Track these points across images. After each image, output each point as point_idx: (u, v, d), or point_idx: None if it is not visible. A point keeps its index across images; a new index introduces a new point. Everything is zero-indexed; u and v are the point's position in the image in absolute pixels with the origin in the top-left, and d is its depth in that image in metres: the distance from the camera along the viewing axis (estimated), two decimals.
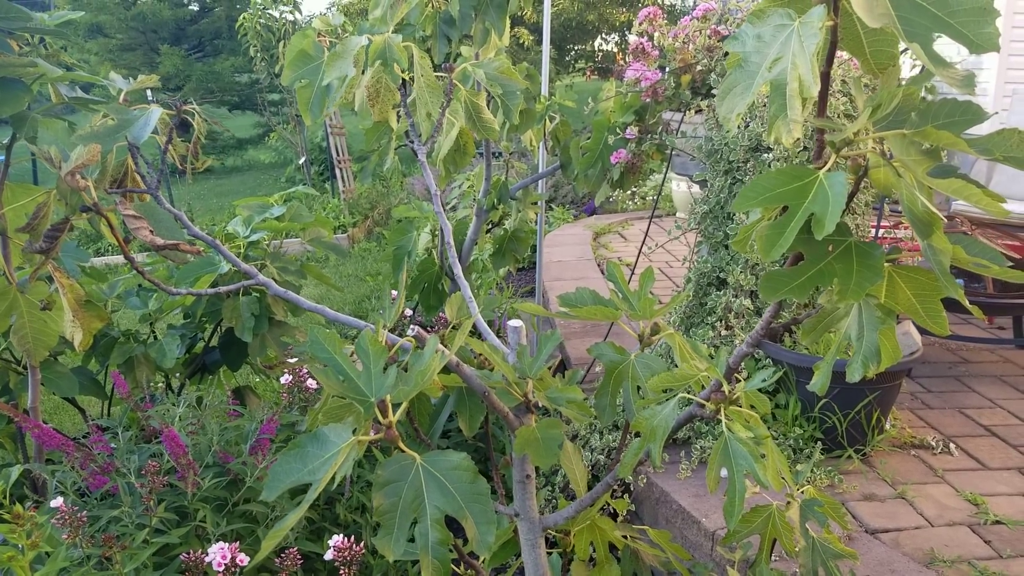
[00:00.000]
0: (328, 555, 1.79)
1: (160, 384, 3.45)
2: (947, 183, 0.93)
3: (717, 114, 0.94)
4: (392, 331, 1.43)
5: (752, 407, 1.15)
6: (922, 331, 2.93)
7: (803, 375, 2.75)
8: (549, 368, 3.50)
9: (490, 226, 3.80)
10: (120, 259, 7.50)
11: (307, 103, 2.02)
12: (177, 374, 3.32)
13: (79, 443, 2.44)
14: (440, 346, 1.08)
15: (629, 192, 7.23)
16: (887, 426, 2.87)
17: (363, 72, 1.54)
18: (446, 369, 1.19)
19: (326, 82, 1.58)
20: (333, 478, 0.96)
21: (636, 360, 1.35)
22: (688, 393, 1.11)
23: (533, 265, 5.84)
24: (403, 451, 1.01)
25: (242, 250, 3.15)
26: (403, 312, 3.21)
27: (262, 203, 3.49)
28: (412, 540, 1.00)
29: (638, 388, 1.35)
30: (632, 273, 3.59)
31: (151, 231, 1.51)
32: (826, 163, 0.97)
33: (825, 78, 0.95)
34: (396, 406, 1.02)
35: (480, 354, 1.39)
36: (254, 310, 3.15)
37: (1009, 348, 3.78)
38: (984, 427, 3.01)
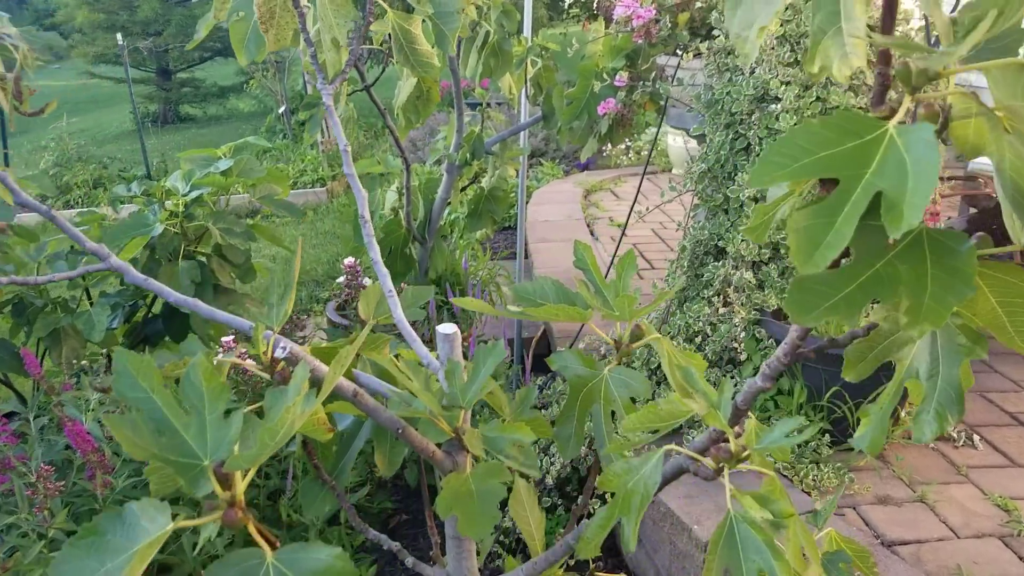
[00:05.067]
0: None
1: (101, 358, 3.11)
2: None
3: (728, 32, 0.57)
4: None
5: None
6: None
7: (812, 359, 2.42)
8: (530, 341, 3.10)
9: (466, 185, 3.44)
10: (66, 213, 7.04)
11: (242, 40, 1.66)
12: (112, 347, 2.97)
13: None
14: (311, 377, 0.75)
15: (623, 146, 6.84)
16: (903, 414, 2.55)
17: None
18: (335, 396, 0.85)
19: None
20: None
21: (610, 376, 1.02)
22: (679, 443, 0.78)
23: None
24: (255, 540, 0.68)
25: (180, 209, 2.79)
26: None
27: (208, 155, 3.12)
28: None
29: (612, 413, 1.02)
30: (623, 235, 3.23)
31: None
32: (893, 111, 0.63)
33: None
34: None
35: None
36: (194, 277, 2.80)
37: None
38: (1010, 415, 2.69)
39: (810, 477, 2.26)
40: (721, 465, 0.73)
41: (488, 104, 3.23)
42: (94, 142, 9.95)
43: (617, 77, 2.86)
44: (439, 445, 0.94)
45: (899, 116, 0.61)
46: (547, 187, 6.24)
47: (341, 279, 2.74)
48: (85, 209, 6.64)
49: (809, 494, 2.23)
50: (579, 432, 1.03)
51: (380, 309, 1.04)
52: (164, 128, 13.08)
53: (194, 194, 2.80)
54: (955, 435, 2.52)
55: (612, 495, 0.81)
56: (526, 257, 4.68)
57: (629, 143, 6.87)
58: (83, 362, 2.65)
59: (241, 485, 0.68)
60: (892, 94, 0.66)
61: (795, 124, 2.42)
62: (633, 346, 1.05)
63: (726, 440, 0.76)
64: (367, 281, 2.71)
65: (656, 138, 3.12)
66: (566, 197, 5.91)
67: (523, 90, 3.29)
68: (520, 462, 0.81)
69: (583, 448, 2.53)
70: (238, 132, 11.96)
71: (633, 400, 1.01)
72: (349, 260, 2.71)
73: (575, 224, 5.19)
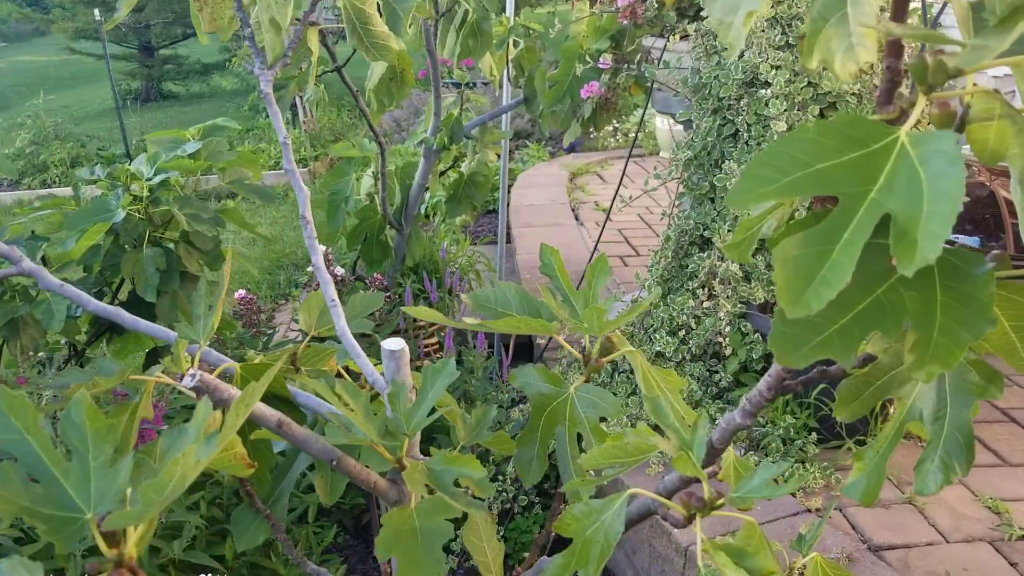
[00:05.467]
0: None
1: (64, 348, 3.00)
2: None
3: (709, 21, 0.46)
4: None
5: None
6: None
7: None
8: (505, 347, 2.96)
9: (447, 168, 3.33)
10: (38, 193, 6.82)
11: (196, 17, 1.54)
12: (75, 337, 2.86)
13: None
14: (218, 411, 0.65)
15: (610, 128, 6.72)
16: (891, 411, 2.46)
17: None
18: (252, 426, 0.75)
19: None
20: None
21: (577, 394, 0.92)
22: (647, 486, 0.68)
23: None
24: None
25: (144, 194, 2.67)
26: (339, 275, 2.75)
27: (175, 138, 2.99)
28: None
29: (579, 437, 0.92)
30: (608, 220, 3.13)
31: None
32: (904, 113, 0.53)
33: None
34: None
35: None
36: (160, 264, 2.69)
37: None
38: (1001, 411, 2.62)
39: (795, 477, 2.18)
40: (692, 512, 0.64)
41: (469, 85, 3.11)
42: (73, 120, 9.75)
43: (601, 59, 2.75)
44: (384, 474, 0.84)
45: (912, 120, 0.52)
46: (532, 170, 6.12)
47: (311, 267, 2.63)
48: (46, 192, 6.46)
49: (794, 495, 2.15)
50: (542, 455, 0.93)
51: (323, 319, 0.94)
52: (146, 106, 12.85)
53: (159, 178, 2.68)
54: None
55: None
56: (509, 242, 4.58)
57: (617, 125, 6.75)
58: (40, 354, 2.53)
59: (132, 540, 0.59)
60: (904, 91, 0.56)
61: (785, 110, 2.33)
62: (603, 361, 0.96)
63: (699, 481, 0.66)
64: (339, 270, 2.61)
65: (641, 122, 3.01)
66: (551, 180, 5.80)
67: (505, 72, 3.18)
68: (466, 502, 0.71)
69: None
70: (221, 110, 11.78)
71: (602, 420, 0.92)
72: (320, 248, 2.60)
73: (560, 208, 5.08)
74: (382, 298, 0.98)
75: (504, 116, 3.36)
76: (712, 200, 2.51)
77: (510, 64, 3.14)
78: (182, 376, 0.71)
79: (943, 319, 0.53)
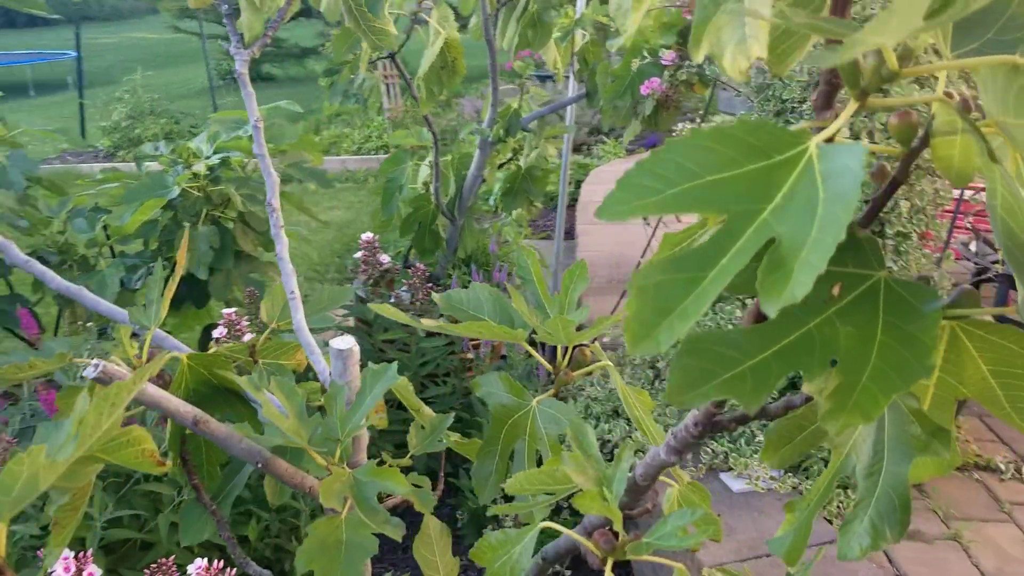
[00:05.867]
0: None
1: None
2: None
3: (609, 7, 0.41)
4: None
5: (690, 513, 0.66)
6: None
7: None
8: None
9: (505, 160, 3.29)
10: (101, 166, 6.95)
11: None
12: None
13: None
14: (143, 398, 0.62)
15: (687, 125, 6.55)
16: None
17: None
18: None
19: None
20: None
21: (539, 408, 0.87)
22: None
23: (572, 204, 5.31)
24: None
25: (202, 172, 2.71)
26: (389, 265, 2.74)
27: (239, 118, 3.04)
28: None
29: (538, 454, 0.87)
30: (660, 221, 3.05)
31: None
32: (826, 124, 0.47)
33: None
34: None
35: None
36: (213, 242, 2.72)
37: None
38: None
39: (835, 504, 2.07)
40: (606, 557, 0.58)
41: (531, 78, 3.07)
42: (169, 97, 10.05)
43: (663, 55, 2.66)
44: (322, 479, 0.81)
45: (831, 130, 0.46)
46: (606, 166, 6.03)
47: (359, 254, 2.63)
48: (109, 165, 6.62)
49: (831, 522, 2.04)
50: (501, 470, 0.89)
51: (286, 312, 0.91)
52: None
53: (216, 157, 2.72)
54: (1003, 466, 2.29)
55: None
56: (571, 239, 4.52)
57: (696, 121, 6.58)
58: (89, 324, 2.59)
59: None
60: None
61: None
62: (575, 374, 0.90)
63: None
64: (385, 258, 2.59)
65: (702, 122, 2.91)
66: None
67: (570, 65, 3.11)
68: (383, 519, 0.67)
69: None
70: (313, 93, 12.00)
71: (562, 440, 0.86)
72: (367, 235, 2.60)
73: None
74: (351, 292, 0.95)
75: (569, 110, 3.30)
76: None
77: (575, 58, 3.08)
78: (94, 365, 0.69)
79: (877, 362, 0.47)
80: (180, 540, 0.89)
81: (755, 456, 2.23)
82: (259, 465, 0.74)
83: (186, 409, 0.70)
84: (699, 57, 0.44)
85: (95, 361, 0.67)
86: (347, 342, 0.81)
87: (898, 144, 0.48)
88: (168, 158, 2.86)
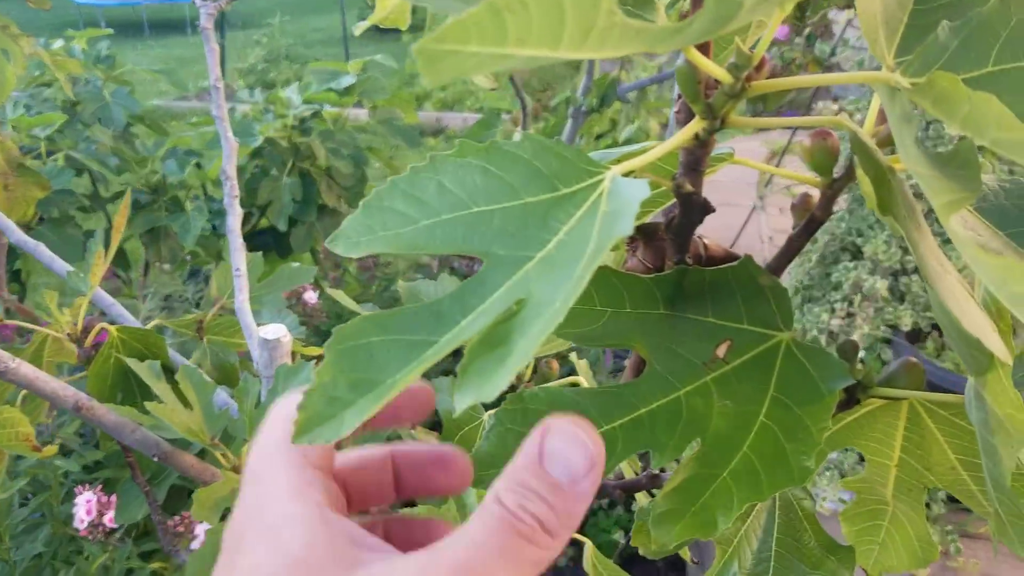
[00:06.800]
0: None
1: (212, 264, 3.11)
2: None
3: None
4: None
5: None
6: None
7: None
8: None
9: (602, 132, 3.16)
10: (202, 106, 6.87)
11: None
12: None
13: None
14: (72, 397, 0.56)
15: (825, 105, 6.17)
16: None
17: None
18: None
19: None
20: None
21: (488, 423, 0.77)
22: None
23: None
24: None
25: (290, 123, 2.69)
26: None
27: (336, 69, 3.00)
28: None
29: None
30: (761, 206, 2.85)
31: None
32: (699, 139, 0.36)
33: None
34: None
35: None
36: (296, 194, 2.71)
37: None
38: None
39: None
40: None
41: None
42: (305, 43, 10.28)
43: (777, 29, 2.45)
44: None
45: (648, 158, 0.33)
46: (728, 142, 5.75)
47: None
48: (201, 106, 6.73)
49: None
50: None
51: (229, 291, 0.84)
52: (379, 37, 13.36)
53: (305, 108, 2.70)
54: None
55: None
56: None
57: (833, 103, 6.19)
58: (166, 265, 2.63)
59: None
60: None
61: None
62: (528, 385, 0.79)
63: None
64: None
65: (810, 105, 2.69)
66: (744, 157, 5.42)
67: None
68: None
69: None
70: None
71: None
72: None
73: (744, 189, 4.72)
74: (312, 273, 0.86)
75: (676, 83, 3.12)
76: None
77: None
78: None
79: (749, 452, 0.35)
80: (115, 519, 0.85)
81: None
82: (156, 457, 0.67)
83: (66, 392, 0.64)
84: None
85: None
86: (276, 331, 0.73)
87: (815, 173, 0.35)
88: (260, 105, 2.86)
